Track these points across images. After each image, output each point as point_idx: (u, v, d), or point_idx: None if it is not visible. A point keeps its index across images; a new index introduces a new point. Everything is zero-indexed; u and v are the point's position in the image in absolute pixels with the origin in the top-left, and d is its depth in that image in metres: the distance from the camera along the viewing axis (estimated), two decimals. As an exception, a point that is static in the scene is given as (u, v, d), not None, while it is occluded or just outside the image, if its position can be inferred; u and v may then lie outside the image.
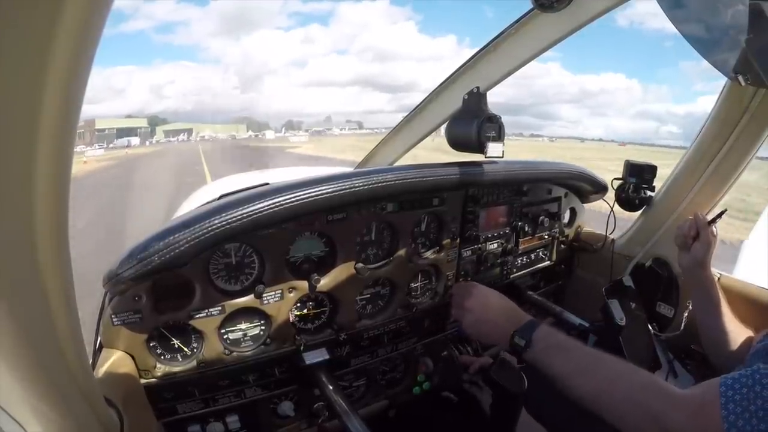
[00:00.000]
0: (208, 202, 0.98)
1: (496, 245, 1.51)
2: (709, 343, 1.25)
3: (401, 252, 1.25)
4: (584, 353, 0.88)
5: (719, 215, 1.30)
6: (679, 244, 1.32)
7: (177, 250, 0.84)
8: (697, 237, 1.27)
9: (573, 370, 0.85)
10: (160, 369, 0.98)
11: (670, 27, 0.99)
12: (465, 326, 1.07)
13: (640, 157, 1.69)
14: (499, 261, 1.53)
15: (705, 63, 1.09)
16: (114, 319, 0.90)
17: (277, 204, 0.92)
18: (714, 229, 1.27)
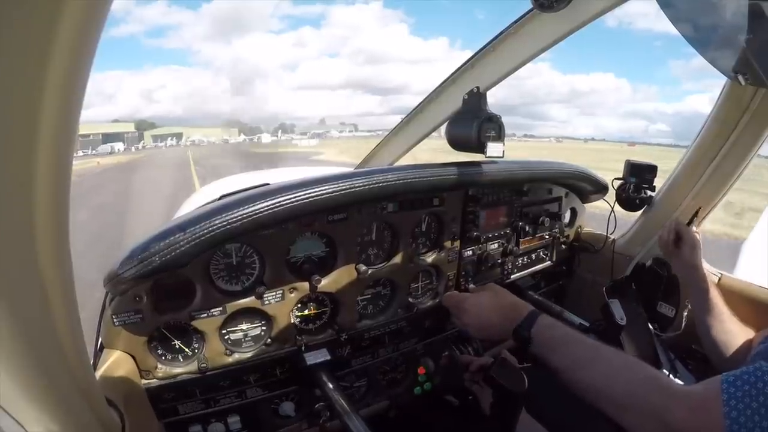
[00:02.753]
0: (208, 203, 0.98)
1: (496, 245, 1.51)
2: (709, 344, 1.25)
3: (402, 252, 1.25)
4: (585, 346, 0.87)
5: (695, 214, 1.31)
6: (665, 252, 1.32)
7: (178, 250, 0.84)
8: (681, 240, 1.28)
9: (573, 364, 0.84)
10: (161, 369, 0.98)
11: (658, 27, 1.00)
12: (472, 335, 1.07)
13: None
14: (499, 261, 1.53)
15: (694, 62, 1.11)
16: (115, 320, 0.90)
17: (278, 204, 0.92)
18: (694, 228, 1.28)
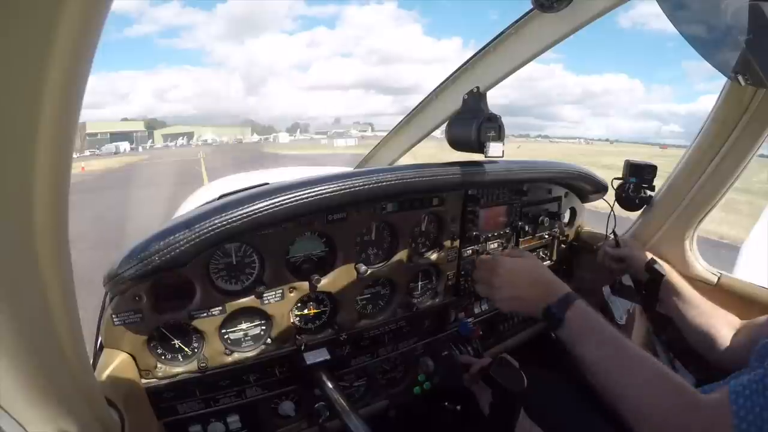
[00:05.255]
0: (208, 202, 0.98)
1: (496, 245, 1.51)
2: (698, 339, 1.26)
3: (401, 252, 1.25)
4: (618, 344, 0.83)
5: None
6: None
7: (177, 250, 0.84)
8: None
9: (602, 358, 0.81)
10: (161, 369, 0.98)
11: (671, 28, 0.99)
12: (497, 304, 1.01)
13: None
14: None
15: (706, 63, 1.09)
16: (114, 319, 0.90)
17: (277, 204, 0.93)
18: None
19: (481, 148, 1.16)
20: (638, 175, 1.60)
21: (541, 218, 1.59)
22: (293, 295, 1.09)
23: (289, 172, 2.73)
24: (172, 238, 0.84)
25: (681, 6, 0.98)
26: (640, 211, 1.66)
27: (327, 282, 1.12)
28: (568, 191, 1.70)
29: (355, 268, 1.15)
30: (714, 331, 1.21)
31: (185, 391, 1.02)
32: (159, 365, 0.98)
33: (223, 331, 1.05)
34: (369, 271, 1.18)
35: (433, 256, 1.33)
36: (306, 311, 1.17)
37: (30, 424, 0.46)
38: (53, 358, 0.47)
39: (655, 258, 1.56)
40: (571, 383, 1.28)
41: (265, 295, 1.04)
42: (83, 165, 30.02)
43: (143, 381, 0.96)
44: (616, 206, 1.65)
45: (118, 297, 0.89)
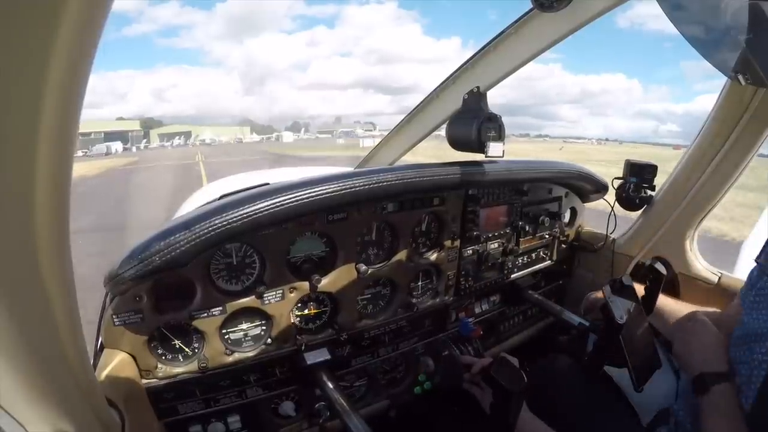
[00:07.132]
0: (208, 202, 0.98)
1: (496, 245, 1.51)
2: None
3: (402, 252, 1.25)
4: None
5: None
6: None
7: (178, 250, 0.84)
8: None
9: None
10: (162, 369, 0.98)
11: (670, 28, 0.99)
12: None
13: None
14: (499, 261, 1.53)
15: (706, 63, 1.09)
16: (115, 320, 0.90)
17: (278, 204, 0.93)
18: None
19: (481, 148, 1.16)
20: (638, 174, 1.60)
21: (541, 218, 1.59)
22: (294, 295, 1.09)
23: (290, 173, 2.73)
24: (172, 238, 0.84)
25: (681, 6, 0.97)
26: (640, 211, 1.66)
27: (327, 282, 1.12)
28: (568, 191, 1.70)
29: (356, 268, 1.15)
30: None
31: (185, 391, 1.02)
32: (159, 365, 0.98)
33: (224, 331, 1.05)
34: (369, 271, 1.18)
35: (434, 256, 1.33)
36: (306, 311, 1.17)
37: (30, 424, 0.46)
38: (53, 358, 0.47)
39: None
40: (572, 376, 1.29)
41: (265, 295, 1.04)
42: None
43: (144, 381, 0.96)
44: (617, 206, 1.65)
45: (118, 297, 0.89)
